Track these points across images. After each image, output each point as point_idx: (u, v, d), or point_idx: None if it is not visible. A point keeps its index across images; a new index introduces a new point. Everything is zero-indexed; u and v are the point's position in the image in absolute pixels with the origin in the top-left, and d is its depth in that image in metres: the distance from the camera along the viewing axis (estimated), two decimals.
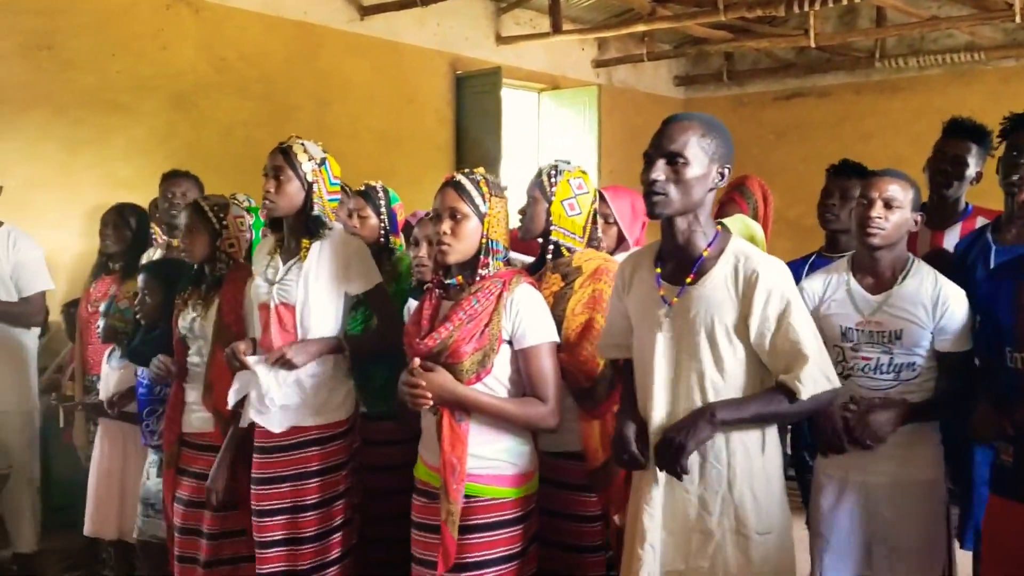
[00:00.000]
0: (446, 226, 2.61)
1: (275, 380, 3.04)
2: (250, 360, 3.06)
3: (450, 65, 8.06)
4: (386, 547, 3.37)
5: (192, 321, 3.36)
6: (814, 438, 2.84)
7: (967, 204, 3.49)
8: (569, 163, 3.00)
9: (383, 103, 7.53)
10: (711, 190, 2.37)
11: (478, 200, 2.62)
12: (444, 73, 8.03)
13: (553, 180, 2.94)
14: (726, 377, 2.33)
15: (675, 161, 2.29)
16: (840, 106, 9.42)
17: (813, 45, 8.16)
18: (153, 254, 4.39)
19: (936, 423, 2.80)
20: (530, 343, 2.60)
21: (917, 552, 2.75)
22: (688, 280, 2.37)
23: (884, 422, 2.66)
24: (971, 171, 3.42)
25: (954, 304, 2.71)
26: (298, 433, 3.08)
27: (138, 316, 3.63)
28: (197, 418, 3.39)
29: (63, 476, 4.84)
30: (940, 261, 2.99)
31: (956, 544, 3.08)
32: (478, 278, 2.64)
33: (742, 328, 2.33)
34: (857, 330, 2.78)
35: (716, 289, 2.34)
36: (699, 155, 2.31)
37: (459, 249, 2.62)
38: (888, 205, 2.75)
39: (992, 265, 2.95)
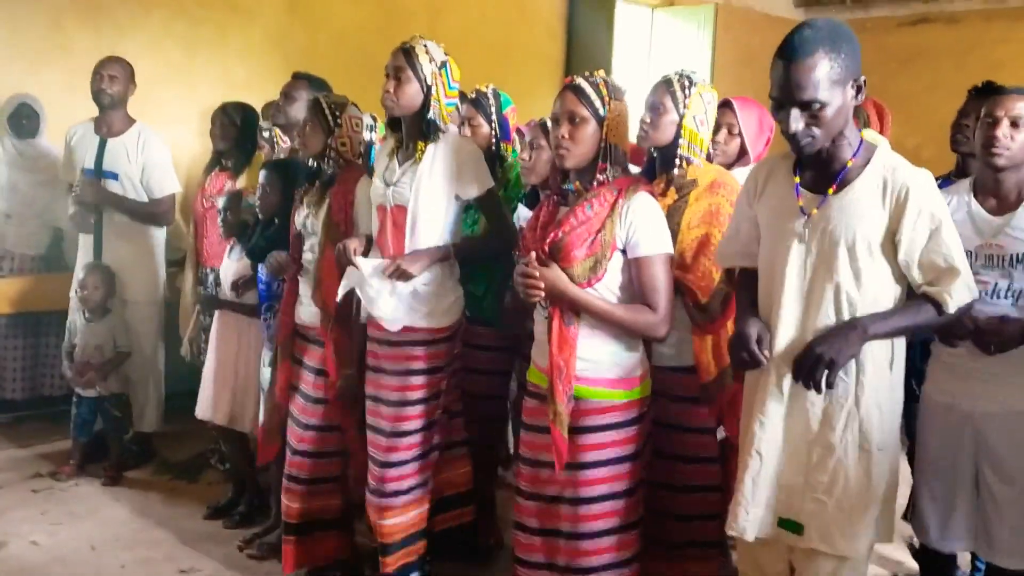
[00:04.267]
0: (564, 130, 2.59)
1: (388, 288, 3.09)
2: (359, 260, 3.11)
3: None
4: (471, 448, 3.45)
5: (305, 217, 3.43)
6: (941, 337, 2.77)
7: None
8: (695, 73, 2.92)
9: (495, 14, 7.45)
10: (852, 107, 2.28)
11: (597, 103, 2.58)
12: None
13: (687, 92, 2.87)
14: (863, 291, 2.26)
15: (810, 107, 2.18)
16: (969, 33, 8.90)
17: None
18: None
19: None
20: (643, 253, 2.58)
21: None
22: (830, 191, 2.29)
23: (1016, 331, 2.59)
24: None
25: None
26: (408, 332, 3.15)
27: (258, 211, 3.74)
28: (307, 311, 3.47)
29: (173, 364, 5.06)
30: None
31: None
32: (595, 184, 2.62)
33: (888, 242, 2.26)
34: (976, 253, 2.69)
35: (861, 201, 2.26)
36: (833, 90, 2.17)
37: (577, 153, 2.59)
38: (1015, 124, 2.67)
39: None
